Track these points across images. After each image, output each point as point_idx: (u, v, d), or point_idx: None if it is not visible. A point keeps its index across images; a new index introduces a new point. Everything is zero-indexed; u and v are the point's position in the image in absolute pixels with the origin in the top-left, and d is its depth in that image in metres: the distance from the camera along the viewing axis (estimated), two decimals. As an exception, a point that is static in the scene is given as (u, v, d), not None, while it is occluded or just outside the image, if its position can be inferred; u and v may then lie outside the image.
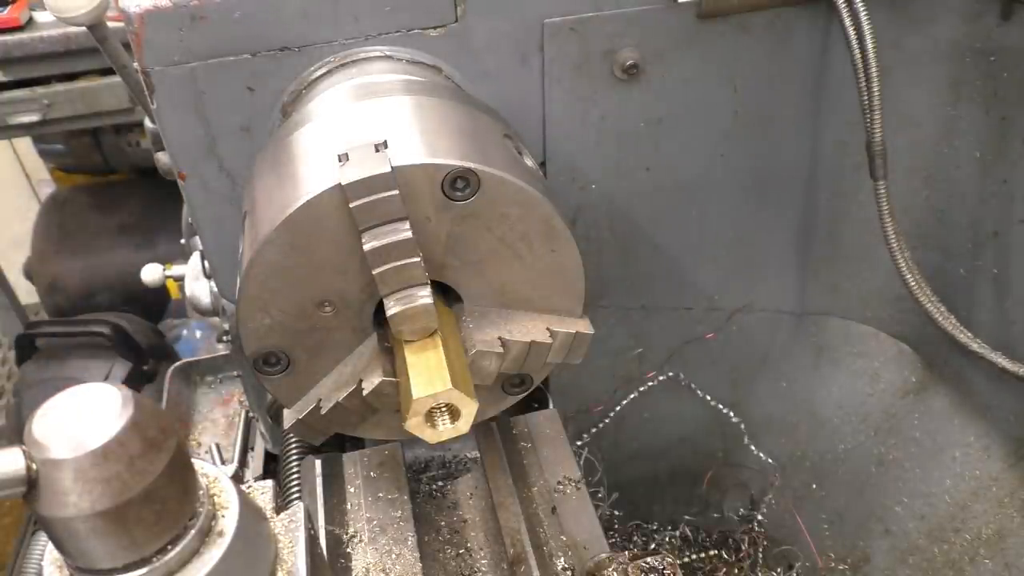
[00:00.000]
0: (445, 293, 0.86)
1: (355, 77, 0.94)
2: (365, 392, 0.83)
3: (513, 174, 0.78)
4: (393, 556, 0.94)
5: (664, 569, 0.85)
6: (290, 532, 0.59)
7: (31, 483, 0.46)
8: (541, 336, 0.86)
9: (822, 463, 1.50)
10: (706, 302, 1.37)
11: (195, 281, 1.27)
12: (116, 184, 2.70)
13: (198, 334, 2.64)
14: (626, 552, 0.89)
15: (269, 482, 0.63)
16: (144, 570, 0.49)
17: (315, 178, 0.75)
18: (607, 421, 1.44)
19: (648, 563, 0.86)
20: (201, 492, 0.52)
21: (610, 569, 0.87)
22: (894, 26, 1.12)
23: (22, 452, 0.46)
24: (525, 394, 0.95)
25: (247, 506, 0.55)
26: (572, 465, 1.07)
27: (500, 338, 0.85)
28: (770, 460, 1.51)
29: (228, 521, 0.53)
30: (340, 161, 0.74)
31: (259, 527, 0.56)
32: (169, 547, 0.49)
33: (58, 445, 0.46)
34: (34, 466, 0.46)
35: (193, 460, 0.53)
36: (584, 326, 0.88)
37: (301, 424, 0.88)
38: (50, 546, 0.50)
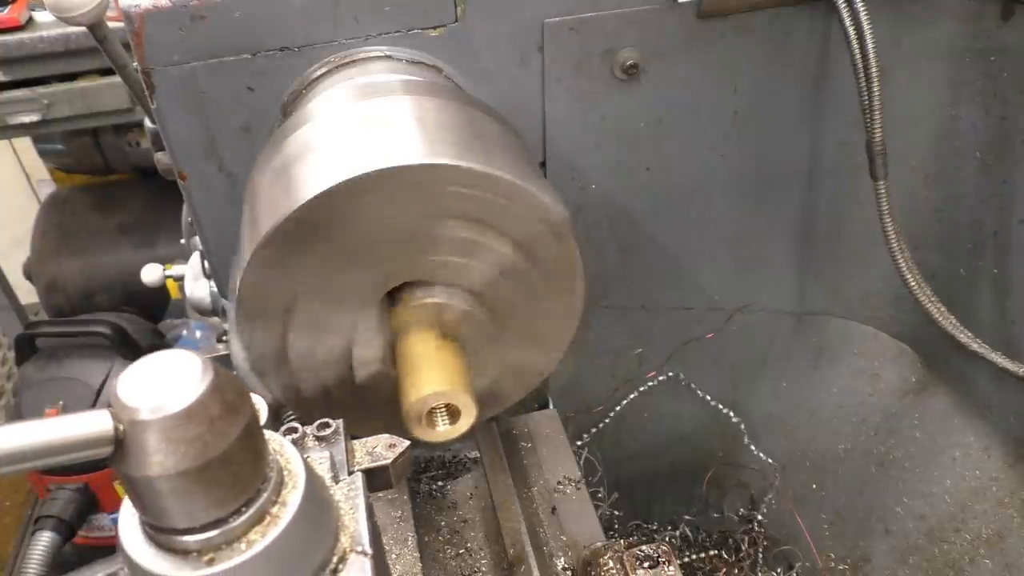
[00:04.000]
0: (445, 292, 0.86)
1: (355, 77, 0.94)
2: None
3: (514, 174, 0.78)
4: (393, 556, 0.94)
5: (659, 557, 0.85)
6: (350, 499, 0.61)
7: (118, 443, 0.47)
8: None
9: (822, 463, 1.50)
10: (706, 302, 1.37)
11: (195, 281, 1.27)
12: (116, 184, 2.69)
13: (198, 334, 2.63)
14: (622, 540, 0.89)
15: (326, 452, 0.64)
16: (220, 530, 0.50)
17: (315, 178, 0.75)
18: (607, 421, 1.44)
19: (643, 551, 0.86)
20: (271, 457, 0.53)
21: (606, 557, 0.87)
22: (894, 26, 1.12)
23: (110, 414, 0.47)
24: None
25: (312, 472, 0.56)
26: (572, 465, 1.07)
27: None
28: (770, 460, 1.51)
29: (296, 486, 0.54)
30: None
31: (323, 493, 0.58)
32: (244, 508, 0.51)
33: (144, 407, 0.47)
34: (121, 427, 0.47)
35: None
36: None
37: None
38: (126, 505, 0.52)
